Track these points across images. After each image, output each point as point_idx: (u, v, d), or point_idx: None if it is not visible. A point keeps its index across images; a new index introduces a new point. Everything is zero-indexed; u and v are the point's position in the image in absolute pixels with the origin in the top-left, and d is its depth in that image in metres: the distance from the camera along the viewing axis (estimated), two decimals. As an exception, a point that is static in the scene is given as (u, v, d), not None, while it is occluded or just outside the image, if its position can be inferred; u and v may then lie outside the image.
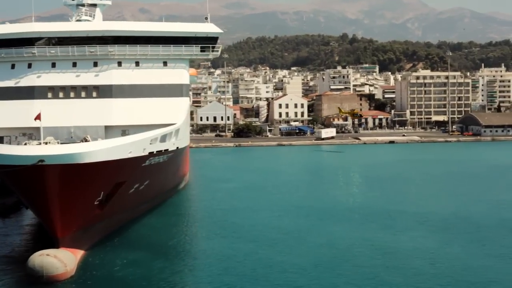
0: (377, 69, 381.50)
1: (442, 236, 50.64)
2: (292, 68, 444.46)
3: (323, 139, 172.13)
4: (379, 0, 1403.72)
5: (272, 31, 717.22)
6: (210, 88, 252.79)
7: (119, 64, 59.25)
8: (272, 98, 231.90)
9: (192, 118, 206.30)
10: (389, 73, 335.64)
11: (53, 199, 42.97)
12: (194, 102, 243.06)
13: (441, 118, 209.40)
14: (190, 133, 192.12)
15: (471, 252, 45.15)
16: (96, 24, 61.41)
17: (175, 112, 57.79)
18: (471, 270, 40.48)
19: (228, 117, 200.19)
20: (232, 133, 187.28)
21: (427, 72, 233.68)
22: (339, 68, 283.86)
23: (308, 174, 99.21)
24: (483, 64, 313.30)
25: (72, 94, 57.72)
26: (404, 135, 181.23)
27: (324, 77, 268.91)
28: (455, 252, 45.15)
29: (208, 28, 63.82)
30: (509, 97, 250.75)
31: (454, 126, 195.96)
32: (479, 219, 57.55)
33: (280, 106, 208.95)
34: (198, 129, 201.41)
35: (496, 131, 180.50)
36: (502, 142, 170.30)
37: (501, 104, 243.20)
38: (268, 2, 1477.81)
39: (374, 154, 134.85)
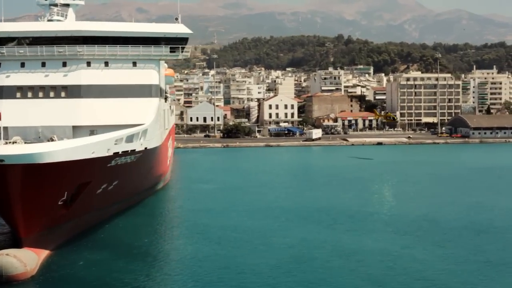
0: (371, 70, 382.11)
1: (407, 238, 50.75)
2: (288, 69, 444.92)
3: (313, 139, 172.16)
4: (377, 1, 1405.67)
5: (269, 32, 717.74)
6: (202, 88, 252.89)
7: (88, 64, 59.29)
8: (263, 99, 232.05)
9: (182, 119, 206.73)
10: (383, 74, 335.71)
11: (15, 199, 42.99)
12: (185, 102, 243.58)
13: (431, 120, 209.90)
14: (180, 134, 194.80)
15: (431, 254, 45.18)
16: (65, 24, 61.42)
17: (143, 113, 57.81)
18: (426, 272, 40.54)
19: (218, 118, 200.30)
20: (221, 134, 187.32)
21: (418, 74, 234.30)
22: (330, 69, 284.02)
23: (288, 175, 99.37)
24: (474, 66, 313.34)
25: (40, 94, 57.72)
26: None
27: (315, 78, 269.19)
28: (414, 254, 45.19)
29: (177, 28, 63.84)
30: (500, 99, 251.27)
31: (443, 128, 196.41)
32: (447, 222, 57.61)
33: (270, 107, 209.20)
34: (187, 130, 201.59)
35: (485, 133, 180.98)
36: (490, 144, 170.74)
37: (493, 106, 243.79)
38: (266, 2, 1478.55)
39: (360, 155, 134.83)
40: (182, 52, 63.13)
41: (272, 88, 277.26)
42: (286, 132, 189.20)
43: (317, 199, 72.44)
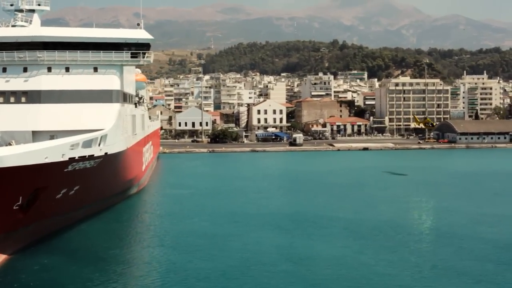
0: (365, 76, 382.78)
1: (362, 243, 50.74)
2: (282, 74, 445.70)
3: (297, 144, 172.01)
4: (375, 6, 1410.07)
5: (267, 37, 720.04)
6: (192, 93, 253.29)
7: (49, 69, 59.53)
8: (253, 104, 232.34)
9: (170, 124, 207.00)
10: (376, 79, 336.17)
11: (-31, 203, 43.18)
12: (176, 107, 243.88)
13: (420, 125, 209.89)
14: (167, 138, 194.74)
15: (381, 259, 45.23)
16: (27, 30, 61.70)
17: (103, 118, 57.96)
18: (370, 277, 40.61)
19: (207, 123, 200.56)
20: (209, 139, 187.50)
21: (407, 79, 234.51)
22: (320, 74, 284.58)
23: (264, 180, 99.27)
24: (465, 72, 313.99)
25: (1, 99, 57.91)
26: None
27: (306, 83, 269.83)
28: (364, 259, 45.25)
29: (139, 34, 64.11)
30: (491, 104, 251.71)
31: (431, 133, 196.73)
32: (408, 227, 57.79)
33: (259, 112, 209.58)
34: (175, 135, 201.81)
35: (472, 138, 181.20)
36: (476, 149, 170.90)
37: (483, 112, 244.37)
38: (264, 7, 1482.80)
39: (343, 161, 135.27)
40: (144, 57, 63.36)
41: (264, 93, 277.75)
42: (274, 137, 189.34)
43: (285, 204, 72.63)
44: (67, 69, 60.32)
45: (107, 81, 61.37)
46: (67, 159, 50.33)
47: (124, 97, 66.18)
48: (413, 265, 43.58)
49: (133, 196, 79.09)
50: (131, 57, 62.78)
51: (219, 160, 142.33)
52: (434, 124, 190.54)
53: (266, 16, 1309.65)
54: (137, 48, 62.76)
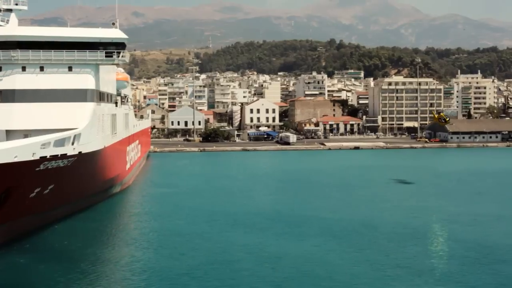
0: (362, 75, 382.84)
1: (333, 242, 50.82)
2: (280, 73, 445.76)
3: (291, 144, 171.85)
4: (373, 6, 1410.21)
5: (266, 36, 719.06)
6: (186, 92, 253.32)
7: (23, 69, 59.66)
8: (247, 103, 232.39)
9: (163, 123, 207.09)
10: (371, 79, 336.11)
11: None
12: (170, 106, 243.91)
13: (412, 124, 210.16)
14: (160, 138, 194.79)
15: (348, 258, 45.37)
16: (2, 30, 61.64)
17: (77, 117, 58.03)
18: (333, 276, 40.73)
19: (200, 122, 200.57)
20: (200, 138, 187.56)
21: (400, 78, 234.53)
22: (314, 73, 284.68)
23: (250, 179, 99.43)
24: (459, 71, 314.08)
25: None
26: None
27: (299, 82, 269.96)
28: (331, 258, 45.35)
29: (113, 33, 64.20)
30: (485, 103, 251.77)
31: (423, 133, 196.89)
32: (383, 226, 57.65)
33: (251, 111, 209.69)
34: (168, 134, 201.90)
35: (463, 137, 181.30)
36: (467, 148, 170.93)
37: (477, 111, 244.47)
38: (263, 6, 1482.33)
39: (331, 160, 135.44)
40: (119, 56, 63.40)
41: (260, 92, 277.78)
42: (266, 136, 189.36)
43: (265, 203, 72.74)
44: (42, 69, 60.45)
45: (82, 80, 61.43)
46: (38, 158, 50.38)
47: (101, 96, 66.24)
48: (377, 264, 43.62)
49: (116, 195, 79.15)
50: (106, 56, 62.86)
51: (208, 159, 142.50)
52: (447, 119, 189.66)
53: (265, 16, 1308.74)
54: (112, 48, 62.84)
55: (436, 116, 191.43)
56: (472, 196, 79.37)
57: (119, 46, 63.46)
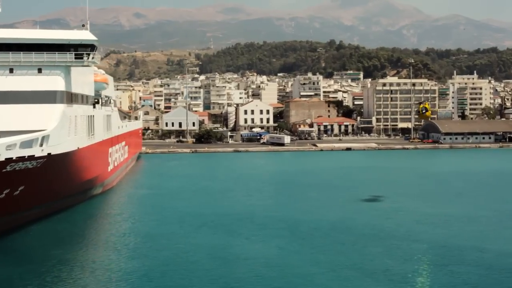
0: (361, 76, 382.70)
1: (297, 243, 50.81)
2: (279, 74, 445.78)
3: (283, 144, 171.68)
4: (375, 6, 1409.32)
5: (267, 37, 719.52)
6: (183, 94, 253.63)
7: None
8: (241, 104, 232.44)
9: (157, 124, 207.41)
10: (369, 80, 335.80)
11: None
12: (166, 107, 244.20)
13: (406, 125, 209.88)
14: (153, 139, 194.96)
15: (307, 259, 45.44)
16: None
17: (46, 119, 58.22)
18: (289, 277, 40.79)
19: (194, 123, 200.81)
20: (193, 139, 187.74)
21: (394, 79, 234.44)
22: (309, 74, 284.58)
23: (234, 180, 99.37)
24: (455, 72, 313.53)
25: None
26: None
27: (295, 83, 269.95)
28: (291, 259, 45.41)
29: (82, 35, 64.45)
30: (481, 104, 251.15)
31: (416, 134, 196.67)
32: (350, 228, 57.55)
33: (246, 112, 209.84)
34: (162, 135, 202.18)
35: (456, 138, 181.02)
36: (460, 149, 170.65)
37: (473, 112, 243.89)
38: (264, 7, 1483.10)
39: (321, 161, 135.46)
40: (89, 58, 63.59)
41: (257, 94, 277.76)
42: (259, 137, 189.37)
43: (241, 205, 72.69)
44: (11, 70, 60.79)
45: (51, 82, 61.63)
46: (4, 159, 50.59)
47: (73, 98, 66.36)
48: (338, 265, 43.67)
49: (96, 196, 79.31)
50: (76, 58, 63.08)
51: (198, 161, 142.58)
52: (428, 106, 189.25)
53: (266, 16, 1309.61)
54: (81, 49, 63.05)
55: (420, 108, 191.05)
56: (451, 197, 79.25)
57: (89, 48, 63.68)
